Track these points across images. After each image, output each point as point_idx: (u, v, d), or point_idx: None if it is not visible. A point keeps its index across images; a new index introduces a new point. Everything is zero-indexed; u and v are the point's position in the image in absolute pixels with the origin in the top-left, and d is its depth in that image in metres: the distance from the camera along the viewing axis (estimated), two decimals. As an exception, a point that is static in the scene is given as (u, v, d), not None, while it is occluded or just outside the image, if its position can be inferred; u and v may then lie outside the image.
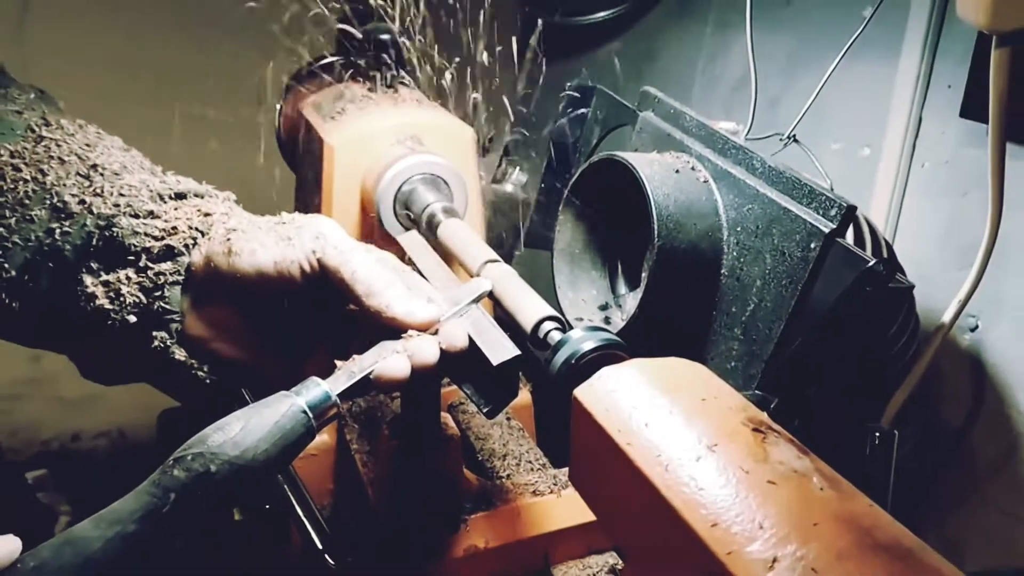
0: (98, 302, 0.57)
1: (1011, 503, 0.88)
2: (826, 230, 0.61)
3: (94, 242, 0.58)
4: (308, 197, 0.97)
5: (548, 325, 0.60)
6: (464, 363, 0.57)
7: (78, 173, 0.60)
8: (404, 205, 0.87)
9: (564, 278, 0.83)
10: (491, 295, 0.67)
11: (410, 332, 0.55)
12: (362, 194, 0.91)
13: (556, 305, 0.81)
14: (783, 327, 0.62)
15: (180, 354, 0.58)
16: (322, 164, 0.91)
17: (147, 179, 0.62)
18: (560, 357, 0.55)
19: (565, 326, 0.60)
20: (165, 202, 0.60)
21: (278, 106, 1.13)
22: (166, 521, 0.43)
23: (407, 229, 0.86)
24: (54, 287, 0.58)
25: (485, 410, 0.58)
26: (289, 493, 0.65)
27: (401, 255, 0.68)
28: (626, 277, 0.85)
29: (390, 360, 0.53)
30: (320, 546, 0.62)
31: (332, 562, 0.61)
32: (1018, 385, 0.87)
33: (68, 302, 0.58)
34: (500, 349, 0.55)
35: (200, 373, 0.58)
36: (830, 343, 0.60)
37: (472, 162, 0.96)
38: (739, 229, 0.70)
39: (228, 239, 0.57)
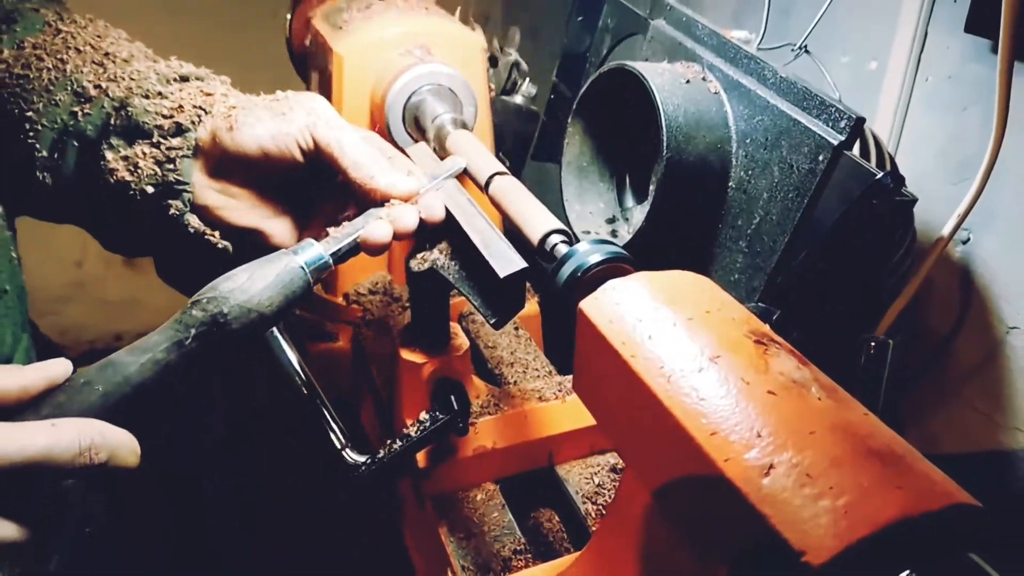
0: (119, 175, 0.60)
1: (987, 405, 0.87)
2: (835, 142, 0.56)
3: (112, 121, 0.60)
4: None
5: (555, 238, 0.57)
6: (441, 232, 0.59)
7: (93, 61, 0.63)
8: (413, 116, 0.82)
9: (572, 191, 0.79)
10: (499, 208, 0.63)
11: (392, 202, 0.57)
12: (371, 105, 0.86)
13: (563, 218, 0.77)
14: (787, 240, 0.58)
15: (194, 222, 0.60)
16: (331, 74, 0.85)
17: (152, 65, 0.64)
18: (566, 270, 0.52)
19: (572, 239, 0.57)
20: (170, 84, 0.62)
21: (288, 16, 1.06)
22: (188, 351, 0.48)
23: (416, 141, 0.82)
24: (80, 163, 0.61)
25: (492, 321, 0.56)
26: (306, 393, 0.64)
27: None
28: (634, 190, 0.80)
29: (374, 225, 0.55)
30: (339, 444, 0.62)
31: (351, 459, 0.60)
32: (1003, 296, 0.85)
33: (93, 176, 0.61)
34: (507, 261, 0.53)
35: (212, 239, 0.61)
36: (834, 255, 0.57)
37: (482, 72, 0.90)
38: (748, 141, 0.65)
39: (229, 116, 0.59)
